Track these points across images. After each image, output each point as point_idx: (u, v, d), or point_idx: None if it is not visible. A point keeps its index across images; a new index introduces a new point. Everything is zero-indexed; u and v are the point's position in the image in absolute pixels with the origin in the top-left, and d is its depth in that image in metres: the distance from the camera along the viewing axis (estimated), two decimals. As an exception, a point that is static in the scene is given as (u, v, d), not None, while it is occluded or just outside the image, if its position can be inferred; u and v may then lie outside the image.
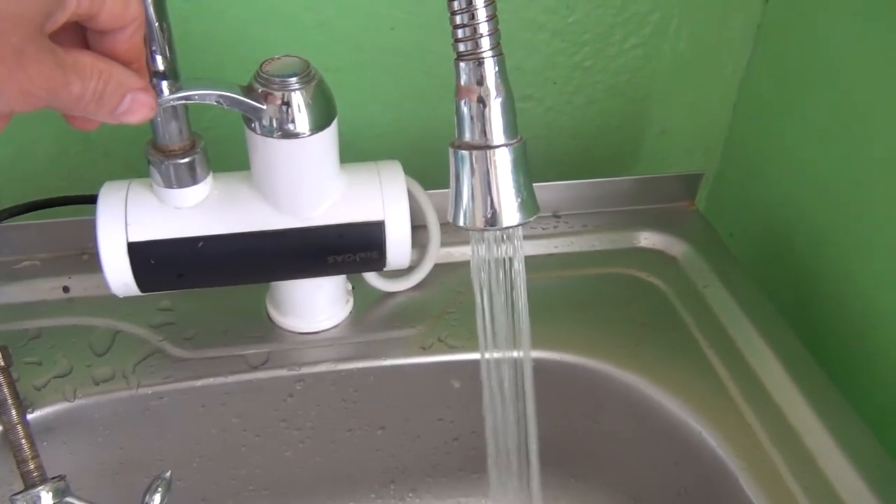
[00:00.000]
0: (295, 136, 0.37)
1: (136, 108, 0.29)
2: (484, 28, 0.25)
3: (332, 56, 0.53)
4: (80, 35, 0.28)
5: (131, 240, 0.39)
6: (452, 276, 0.50)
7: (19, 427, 0.39)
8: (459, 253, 0.52)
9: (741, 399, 0.43)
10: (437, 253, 0.49)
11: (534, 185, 0.54)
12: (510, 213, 0.28)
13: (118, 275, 0.39)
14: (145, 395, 0.42)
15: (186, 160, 0.38)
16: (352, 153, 0.58)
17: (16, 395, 0.40)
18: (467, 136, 0.27)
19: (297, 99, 0.36)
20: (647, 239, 0.54)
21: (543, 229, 0.55)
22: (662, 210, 0.56)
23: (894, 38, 0.45)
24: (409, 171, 0.47)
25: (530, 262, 0.52)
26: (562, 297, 0.50)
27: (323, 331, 0.46)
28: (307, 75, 0.37)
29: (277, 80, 0.36)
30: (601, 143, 0.63)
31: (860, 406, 0.43)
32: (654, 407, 0.44)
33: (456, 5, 0.25)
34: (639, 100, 0.60)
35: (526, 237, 0.54)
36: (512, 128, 0.27)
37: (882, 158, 0.46)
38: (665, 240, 0.54)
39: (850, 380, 0.49)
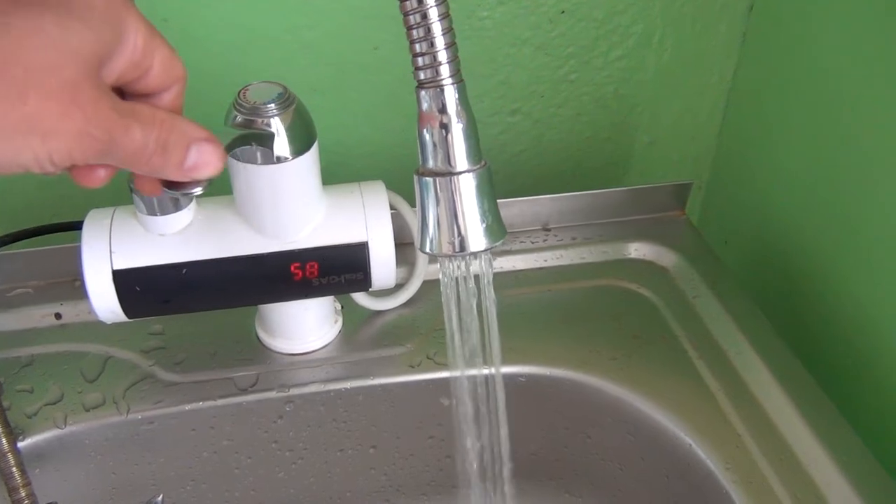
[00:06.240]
0: (275, 161, 0.37)
1: (206, 159, 0.27)
2: (443, 56, 0.26)
3: (317, 78, 0.53)
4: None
5: (116, 267, 0.39)
6: (441, 293, 0.50)
7: (10, 455, 0.39)
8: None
9: (731, 410, 0.43)
10: (426, 270, 0.49)
11: (523, 198, 0.54)
12: (476, 238, 0.28)
13: (104, 302, 0.40)
14: (135, 421, 0.43)
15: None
16: (342, 172, 0.59)
17: (6, 423, 0.40)
18: (431, 163, 0.27)
19: (276, 124, 0.36)
20: (638, 250, 0.54)
21: (533, 243, 0.55)
22: (653, 220, 0.56)
23: (879, 42, 0.45)
24: (400, 188, 0.47)
25: (520, 276, 0.52)
26: (552, 311, 0.50)
27: (312, 351, 0.46)
28: (285, 100, 0.37)
29: (255, 106, 0.36)
30: (590, 154, 0.63)
31: (852, 415, 0.42)
32: (644, 420, 0.43)
33: (415, 34, 0.25)
34: (626, 111, 0.60)
35: (516, 251, 0.54)
36: (475, 153, 0.28)
37: (871, 164, 0.46)
38: (655, 250, 0.54)
39: (843, 388, 0.48)
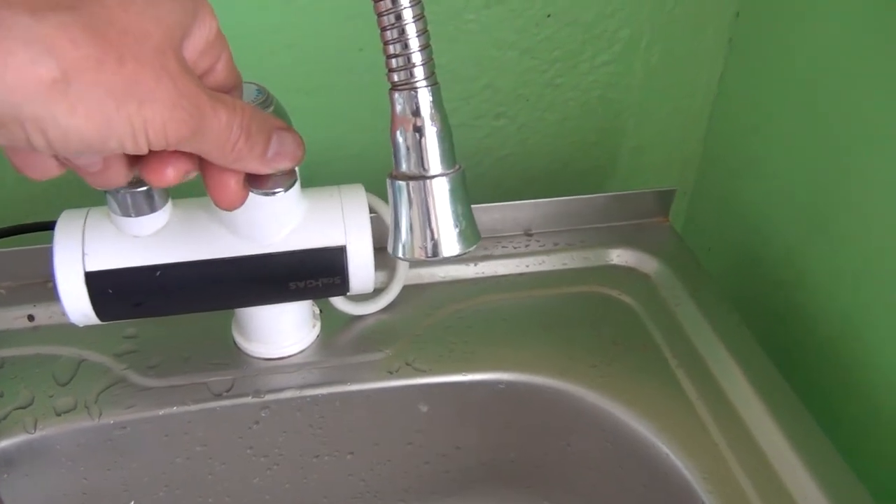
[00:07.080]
0: (252, 162, 0.37)
1: (288, 148, 0.26)
2: (417, 58, 0.25)
3: (301, 78, 0.53)
4: None
5: (88, 269, 0.38)
6: (421, 298, 0.50)
7: (-23, 461, 0.39)
8: (429, 274, 0.51)
9: (710, 420, 0.42)
10: (406, 275, 0.49)
11: (505, 203, 0.54)
12: (449, 243, 0.27)
13: (76, 304, 0.39)
14: (107, 426, 0.42)
15: (143, 189, 0.38)
16: (325, 174, 0.58)
17: (-26, 428, 0.39)
18: (404, 167, 0.27)
19: (253, 126, 0.36)
20: (620, 256, 0.54)
21: (515, 248, 0.54)
22: (635, 226, 0.56)
23: (864, 50, 0.44)
24: (383, 192, 0.46)
25: (501, 281, 0.52)
26: (533, 318, 0.49)
27: (289, 356, 0.46)
28: (263, 101, 0.36)
29: (232, 107, 0.36)
30: (576, 159, 0.62)
31: (831, 424, 0.42)
32: (622, 429, 0.43)
33: (389, 35, 0.25)
34: (612, 116, 0.60)
35: (497, 256, 0.53)
36: (449, 157, 0.27)
37: (857, 172, 0.46)
38: (638, 257, 0.54)
39: (824, 397, 0.48)
